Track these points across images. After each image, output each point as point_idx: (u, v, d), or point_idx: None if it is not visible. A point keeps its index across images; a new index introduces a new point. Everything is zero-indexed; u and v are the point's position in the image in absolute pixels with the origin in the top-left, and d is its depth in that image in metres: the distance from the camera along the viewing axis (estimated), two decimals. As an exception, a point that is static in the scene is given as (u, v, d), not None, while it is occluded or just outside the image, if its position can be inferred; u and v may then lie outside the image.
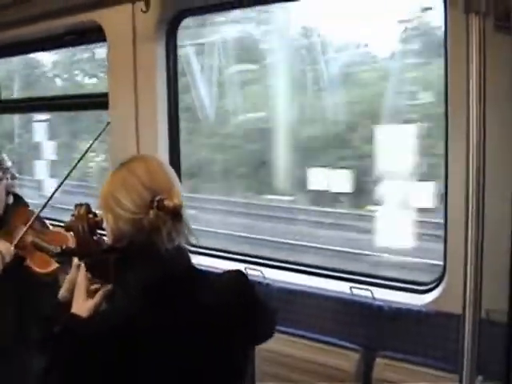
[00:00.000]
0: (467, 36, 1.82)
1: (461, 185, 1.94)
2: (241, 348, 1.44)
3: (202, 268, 1.47)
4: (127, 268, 1.36)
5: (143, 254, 1.34)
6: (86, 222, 1.44)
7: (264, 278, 2.75)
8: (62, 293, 1.69)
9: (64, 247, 1.66)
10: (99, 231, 1.49)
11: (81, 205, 1.46)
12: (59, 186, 2.44)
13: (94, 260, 1.45)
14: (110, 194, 1.37)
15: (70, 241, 2.34)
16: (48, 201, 2.41)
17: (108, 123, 2.64)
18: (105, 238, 1.52)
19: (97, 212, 1.48)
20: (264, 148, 5.41)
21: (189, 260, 1.42)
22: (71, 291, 1.66)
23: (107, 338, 1.25)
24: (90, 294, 1.45)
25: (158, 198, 1.31)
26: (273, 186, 5.57)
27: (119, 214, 1.35)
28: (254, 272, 2.76)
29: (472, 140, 1.79)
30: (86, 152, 2.43)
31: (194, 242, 1.40)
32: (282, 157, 5.26)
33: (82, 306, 1.43)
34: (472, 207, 1.80)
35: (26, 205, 2.68)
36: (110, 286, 1.45)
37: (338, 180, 5.05)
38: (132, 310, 1.30)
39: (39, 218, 2.41)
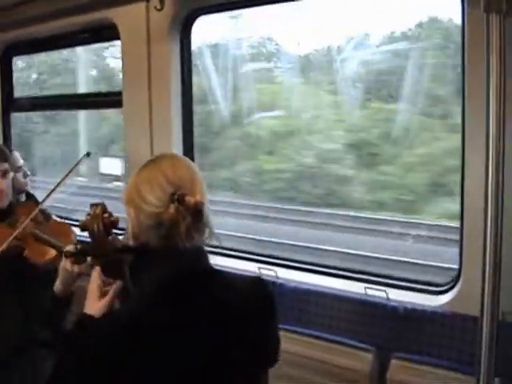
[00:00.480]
0: (487, 35, 1.80)
1: (478, 181, 1.92)
2: (253, 351, 1.42)
3: (220, 268, 1.46)
4: (142, 267, 1.37)
5: (160, 253, 1.34)
6: (101, 222, 1.43)
7: (277, 277, 2.74)
8: (57, 285, 1.70)
9: (79, 247, 1.66)
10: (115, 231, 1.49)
11: (96, 204, 1.45)
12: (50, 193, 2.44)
13: (109, 260, 1.45)
14: (134, 188, 1.38)
15: (70, 232, 2.37)
16: (48, 195, 2.42)
17: (86, 154, 2.56)
18: (120, 237, 1.53)
19: (112, 212, 1.48)
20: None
21: (207, 260, 1.41)
22: (64, 282, 1.67)
23: (119, 338, 1.25)
24: (103, 293, 1.44)
25: (179, 193, 1.31)
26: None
27: (141, 207, 1.35)
28: (267, 272, 2.75)
29: (491, 141, 1.76)
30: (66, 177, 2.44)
31: (215, 243, 1.40)
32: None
33: (94, 306, 1.41)
34: (491, 207, 1.78)
35: (37, 202, 2.70)
36: (120, 284, 1.44)
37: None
38: (145, 308, 1.29)
39: (43, 212, 2.42)
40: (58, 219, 2.52)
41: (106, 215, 1.44)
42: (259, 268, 2.77)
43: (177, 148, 3.02)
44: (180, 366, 1.28)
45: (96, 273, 1.46)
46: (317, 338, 2.50)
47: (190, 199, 1.30)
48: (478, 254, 1.91)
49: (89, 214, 1.44)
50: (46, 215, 2.43)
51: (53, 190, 2.40)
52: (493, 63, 1.76)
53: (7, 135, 3.98)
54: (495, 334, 1.80)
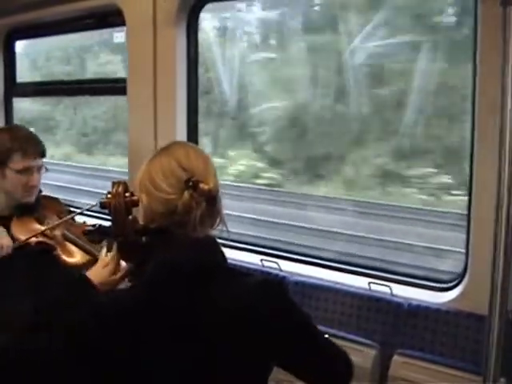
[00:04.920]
0: (504, 30, 1.74)
1: (488, 172, 1.89)
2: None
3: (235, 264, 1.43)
4: (153, 252, 1.34)
5: (173, 240, 1.32)
6: (122, 200, 1.40)
7: (280, 270, 2.71)
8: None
9: (97, 225, 1.63)
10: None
11: (118, 183, 1.41)
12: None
13: (127, 240, 1.43)
14: (147, 175, 1.37)
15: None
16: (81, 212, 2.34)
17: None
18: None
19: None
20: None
21: (219, 254, 1.38)
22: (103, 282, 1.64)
23: (112, 321, 1.23)
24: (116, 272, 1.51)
25: (194, 179, 1.30)
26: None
27: (154, 194, 1.34)
28: (270, 264, 2.73)
29: (507, 136, 1.71)
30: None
31: (224, 232, 1.40)
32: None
33: (97, 272, 1.51)
34: (504, 199, 1.72)
35: (57, 199, 2.65)
36: (129, 267, 1.47)
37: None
38: (142, 297, 1.27)
39: (68, 211, 2.39)
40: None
41: (127, 194, 1.41)
42: (262, 260, 2.75)
43: (181, 136, 2.98)
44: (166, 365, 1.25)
45: (114, 251, 1.50)
46: (319, 332, 2.47)
47: (204, 186, 1.29)
48: (485, 251, 1.88)
49: (109, 192, 1.41)
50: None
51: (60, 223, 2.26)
52: (510, 57, 1.71)
53: (9, 121, 3.94)
54: (503, 333, 1.77)
